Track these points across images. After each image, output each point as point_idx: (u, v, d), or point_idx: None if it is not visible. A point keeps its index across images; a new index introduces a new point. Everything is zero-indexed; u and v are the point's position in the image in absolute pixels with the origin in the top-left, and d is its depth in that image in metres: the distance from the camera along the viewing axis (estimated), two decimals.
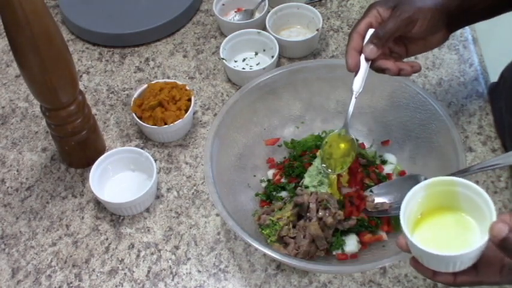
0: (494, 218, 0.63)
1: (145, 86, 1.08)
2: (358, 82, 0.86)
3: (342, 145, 0.91)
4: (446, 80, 1.13)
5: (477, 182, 0.98)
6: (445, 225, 0.69)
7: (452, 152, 0.87)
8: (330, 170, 0.90)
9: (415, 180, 0.89)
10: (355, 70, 0.86)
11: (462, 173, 0.82)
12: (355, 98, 0.87)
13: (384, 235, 0.90)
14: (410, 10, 0.83)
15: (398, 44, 0.89)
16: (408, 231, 0.67)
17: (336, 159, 0.91)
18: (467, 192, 0.67)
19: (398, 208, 0.88)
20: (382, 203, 0.90)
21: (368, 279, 0.89)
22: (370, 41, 0.84)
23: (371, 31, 0.85)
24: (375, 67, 0.87)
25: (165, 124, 1.03)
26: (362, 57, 0.86)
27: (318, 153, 0.94)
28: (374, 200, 0.91)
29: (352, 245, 0.88)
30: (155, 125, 1.03)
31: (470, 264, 0.66)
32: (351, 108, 0.88)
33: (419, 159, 0.95)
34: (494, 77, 1.16)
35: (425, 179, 0.86)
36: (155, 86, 1.06)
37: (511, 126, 1.00)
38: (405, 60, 0.90)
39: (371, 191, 0.91)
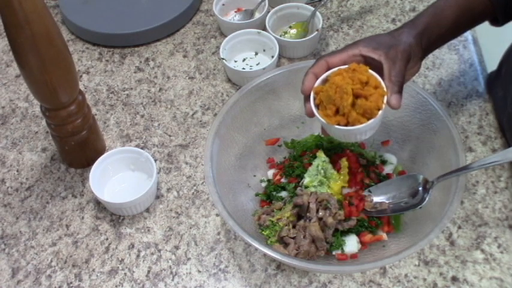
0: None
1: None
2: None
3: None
4: (446, 80, 1.13)
5: (477, 182, 0.98)
6: None
7: (452, 152, 0.87)
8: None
9: (413, 179, 0.89)
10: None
11: (461, 170, 0.83)
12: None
13: (384, 235, 0.89)
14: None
15: None
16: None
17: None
18: None
19: (397, 209, 0.89)
20: (381, 203, 0.90)
21: (368, 279, 0.89)
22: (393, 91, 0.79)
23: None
24: None
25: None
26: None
27: (317, 154, 0.94)
28: (373, 200, 0.90)
29: (352, 246, 0.88)
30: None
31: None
32: None
33: (419, 159, 0.95)
34: None
35: (424, 178, 0.87)
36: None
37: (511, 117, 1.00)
38: None
39: (369, 191, 0.91)
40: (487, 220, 0.94)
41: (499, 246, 0.92)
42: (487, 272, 0.89)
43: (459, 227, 0.94)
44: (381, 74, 0.80)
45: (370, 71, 0.80)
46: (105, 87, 1.17)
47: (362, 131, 0.80)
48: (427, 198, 0.85)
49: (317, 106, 0.82)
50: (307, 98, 0.83)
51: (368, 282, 0.89)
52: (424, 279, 0.89)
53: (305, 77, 0.83)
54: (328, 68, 0.83)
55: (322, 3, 1.20)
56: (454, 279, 0.89)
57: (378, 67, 0.81)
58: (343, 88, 0.78)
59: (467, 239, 0.93)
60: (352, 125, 0.79)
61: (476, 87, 1.11)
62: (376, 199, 0.91)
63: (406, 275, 0.90)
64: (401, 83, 0.80)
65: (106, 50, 1.24)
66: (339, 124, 0.79)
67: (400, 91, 0.79)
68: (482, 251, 0.91)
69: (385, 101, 0.78)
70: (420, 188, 0.87)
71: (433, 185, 0.85)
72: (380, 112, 0.78)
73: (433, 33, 0.87)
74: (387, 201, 0.90)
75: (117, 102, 1.15)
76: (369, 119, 0.78)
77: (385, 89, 0.79)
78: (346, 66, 0.81)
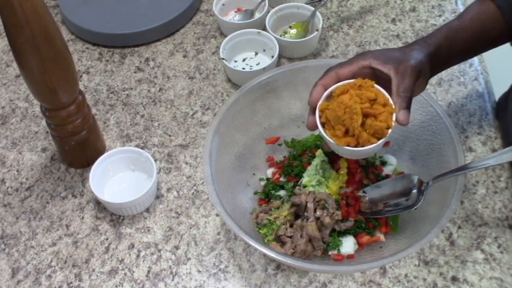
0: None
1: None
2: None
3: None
4: (446, 80, 1.13)
5: (477, 182, 0.98)
6: None
7: (451, 153, 0.87)
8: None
9: (408, 179, 0.88)
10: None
11: (456, 171, 0.83)
12: None
13: (381, 237, 0.89)
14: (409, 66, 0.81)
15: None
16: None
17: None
18: None
19: (392, 210, 0.88)
20: (376, 204, 0.89)
21: (368, 279, 0.89)
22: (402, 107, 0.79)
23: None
24: None
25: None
26: None
27: (317, 153, 0.94)
28: (367, 200, 0.90)
29: (349, 247, 0.87)
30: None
31: None
32: None
33: (419, 160, 0.95)
34: (493, 76, 1.15)
35: (419, 179, 0.86)
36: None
37: None
38: None
39: (364, 192, 0.91)
40: (487, 220, 0.94)
41: (499, 246, 0.92)
42: (487, 272, 0.89)
43: (459, 227, 0.94)
44: (389, 88, 0.79)
45: (376, 86, 0.79)
46: (105, 87, 1.17)
47: (372, 151, 0.80)
48: (422, 200, 0.85)
49: (322, 124, 0.81)
50: (312, 110, 0.82)
51: (368, 282, 0.89)
52: (424, 279, 0.89)
53: (313, 89, 0.82)
54: (338, 80, 0.82)
55: (322, 3, 1.20)
56: (454, 279, 0.89)
57: (386, 81, 0.80)
58: (352, 108, 0.77)
59: (467, 239, 0.93)
60: (362, 146, 0.78)
61: (476, 87, 1.11)
62: (371, 200, 0.90)
63: (406, 275, 0.90)
64: (409, 98, 0.78)
65: (106, 50, 1.24)
66: (348, 145, 0.78)
67: (408, 107, 0.78)
68: (482, 251, 0.91)
69: (394, 118, 0.78)
70: (415, 189, 0.86)
71: (428, 186, 0.85)
72: (390, 130, 0.77)
73: (443, 56, 0.86)
74: (382, 202, 0.89)
75: (117, 102, 1.15)
76: (379, 138, 0.78)
77: (393, 106, 0.78)
78: (352, 81, 0.81)
